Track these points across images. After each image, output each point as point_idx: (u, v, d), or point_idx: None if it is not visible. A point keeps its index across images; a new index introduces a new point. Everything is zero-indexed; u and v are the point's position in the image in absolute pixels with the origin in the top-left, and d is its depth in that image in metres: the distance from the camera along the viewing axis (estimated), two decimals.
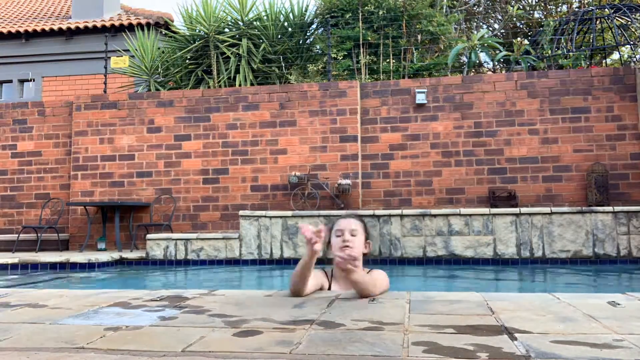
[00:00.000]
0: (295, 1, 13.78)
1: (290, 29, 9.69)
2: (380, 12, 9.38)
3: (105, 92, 9.29)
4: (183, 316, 1.93)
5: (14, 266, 6.11)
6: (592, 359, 1.32)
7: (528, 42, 9.66)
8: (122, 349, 1.46)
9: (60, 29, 13.27)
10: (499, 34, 13.02)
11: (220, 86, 8.93)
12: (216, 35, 9.07)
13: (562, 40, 9.04)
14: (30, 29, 13.44)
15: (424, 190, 7.61)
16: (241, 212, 6.91)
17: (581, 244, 6.35)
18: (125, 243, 7.97)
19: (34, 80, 13.63)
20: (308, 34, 10.00)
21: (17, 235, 7.91)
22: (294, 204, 7.54)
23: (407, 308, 2.04)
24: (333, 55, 9.04)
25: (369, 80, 8.72)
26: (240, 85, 8.75)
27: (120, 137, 8.31)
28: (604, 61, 11.06)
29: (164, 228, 7.78)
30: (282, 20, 9.66)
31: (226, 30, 9.61)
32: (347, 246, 2.44)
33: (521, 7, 13.56)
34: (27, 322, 1.86)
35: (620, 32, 9.34)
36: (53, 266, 6.14)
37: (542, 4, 13.42)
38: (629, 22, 9.47)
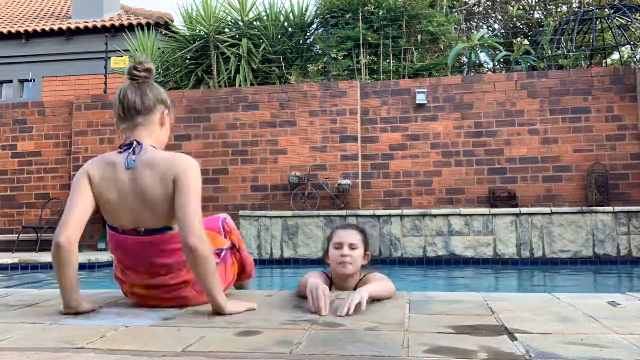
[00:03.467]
0: (295, 1, 13.79)
1: (290, 29, 9.69)
2: (380, 12, 9.38)
3: (105, 92, 9.29)
4: (183, 316, 1.93)
5: (14, 266, 6.11)
6: (592, 359, 1.32)
7: (528, 42, 9.66)
8: (122, 349, 1.46)
9: (60, 29, 13.27)
10: (499, 34, 13.02)
11: (220, 86, 8.93)
12: (216, 35, 9.07)
13: (562, 40, 9.04)
14: (30, 29, 13.44)
15: (424, 190, 7.62)
16: (241, 212, 6.91)
17: (581, 244, 6.35)
18: None
19: (34, 80, 13.63)
20: (308, 34, 10.00)
21: (17, 235, 7.91)
22: (294, 204, 7.54)
23: (407, 308, 2.04)
24: (333, 55, 9.04)
25: (369, 80, 8.72)
26: (240, 85, 8.75)
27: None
28: (604, 61, 11.06)
29: None
30: (282, 20, 9.66)
31: (226, 30, 9.61)
32: (345, 261, 2.40)
33: (521, 7, 13.56)
34: (27, 322, 1.86)
35: (620, 32, 9.34)
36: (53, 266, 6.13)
37: (542, 4, 13.42)
38: (629, 22, 9.47)
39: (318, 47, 10.04)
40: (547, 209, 6.51)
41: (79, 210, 1.99)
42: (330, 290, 2.56)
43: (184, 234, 1.86)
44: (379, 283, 2.30)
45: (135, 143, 2.00)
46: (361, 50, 9.12)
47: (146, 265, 2.01)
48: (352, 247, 2.41)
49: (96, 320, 1.88)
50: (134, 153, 1.98)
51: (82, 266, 6.08)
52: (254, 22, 9.57)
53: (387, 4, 9.49)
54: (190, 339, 1.57)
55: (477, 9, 13.93)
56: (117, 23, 13.12)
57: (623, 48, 10.30)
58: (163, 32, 11.32)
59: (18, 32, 13.48)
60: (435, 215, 6.66)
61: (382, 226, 6.74)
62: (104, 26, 13.12)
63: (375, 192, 7.73)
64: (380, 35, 9.37)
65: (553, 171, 7.38)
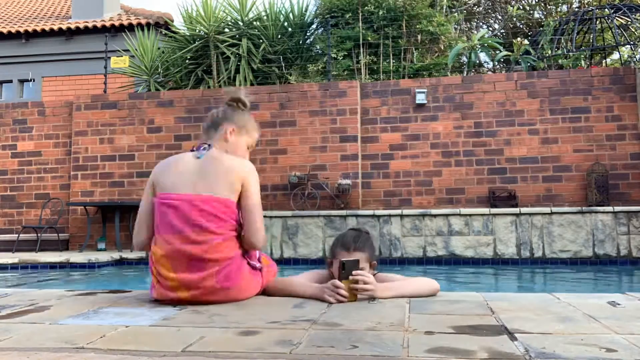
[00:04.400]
0: (295, 1, 13.78)
1: (290, 29, 9.69)
2: (380, 12, 9.38)
3: (105, 92, 9.29)
4: (183, 316, 1.93)
5: (14, 266, 6.11)
6: (592, 359, 1.32)
7: (528, 42, 9.66)
8: (122, 349, 1.46)
9: (60, 29, 13.27)
10: (499, 34, 13.02)
11: (220, 86, 8.93)
12: (216, 35, 9.07)
13: (562, 40, 9.04)
14: (30, 29, 13.44)
15: (424, 190, 7.61)
16: None
17: (581, 244, 6.35)
18: (125, 243, 7.96)
19: (34, 80, 13.63)
20: (308, 34, 10.00)
21: (17, 235, 7.91)
22: (294, 204, 7.54)
23: (407, 308, 2.04)
24: (333, 55, 9.04)
25: (369, 80, 8.72)
26: (240, 85, 8.75)
27: (120, 137, 8.31)
28: (604, 61, 11.06)
29: None
30: (282, 20, 9.66)
31: (226, 30, 9.61)
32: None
33: (521, 7, 13.55)
34: (27, 322, 1.86)
35: (620, 32, 9.34)
36: (53, 266, 6.15)
37: (542, 4, 13.42)
38: (629, 22, 9.47)
39: (318, 47, 10.04)
40: (547, 209, 6.51)
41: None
42: None
43: (248, 233, 2.17)
44: (406, 283, 2.36)
45: (207, 145, 2.35)
46: (361, 50, 9.12)
47: (183, 222, 2.11)
48: None
49: (96, 320, 1.88)
50: (204, 150, 2.31)
51: (82, 266, 6.11)
52: (254, 22, 9.57)
53: (387, 4, 9.49)
54: (190, 339, 1.57)
55: (477, 9, 13.93)
56: (117, 23, 13.12)
57: (623, 48, 10.30)
58: (163, 32, 11.32)
59: (18, 32, 13.48)
60: (435, 215, 6.66)
61: (382, 226, 6.74)
62: (104, 26, 13.12)
63: (375, 192, 7.73)
64: (380, 35, 9.37)
65: (553, 171, 7.38)
